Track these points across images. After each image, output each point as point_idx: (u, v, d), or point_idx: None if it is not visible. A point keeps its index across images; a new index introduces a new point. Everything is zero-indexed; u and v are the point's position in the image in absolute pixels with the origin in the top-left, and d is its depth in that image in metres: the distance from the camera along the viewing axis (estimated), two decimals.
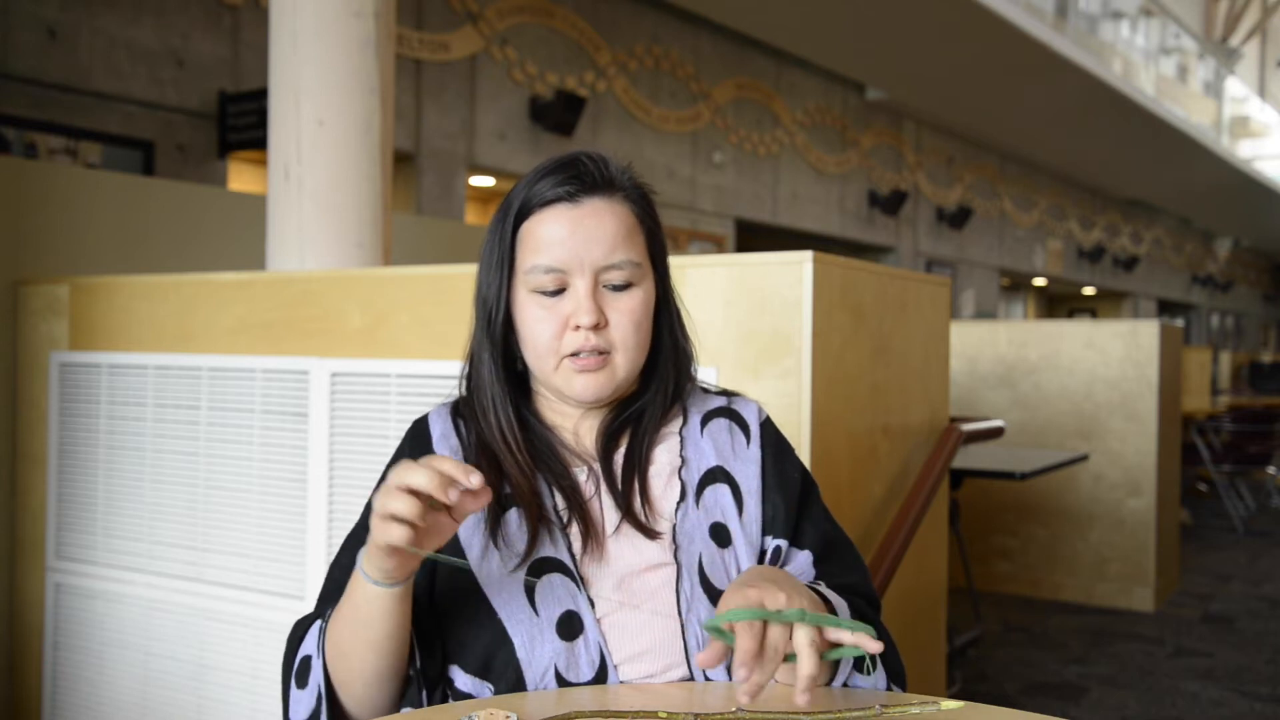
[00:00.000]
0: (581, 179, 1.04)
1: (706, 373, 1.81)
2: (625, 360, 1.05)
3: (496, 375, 1.07)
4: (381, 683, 0.96)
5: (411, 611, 0.99)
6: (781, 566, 1.07)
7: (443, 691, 1.03)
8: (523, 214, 1.05)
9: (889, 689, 1.01)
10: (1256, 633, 4.44)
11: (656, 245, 1.09)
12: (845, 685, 1.00)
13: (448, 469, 0.86)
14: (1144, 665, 3.94)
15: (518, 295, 1.05)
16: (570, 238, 1.02)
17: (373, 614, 0.93)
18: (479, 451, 1.07)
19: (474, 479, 0.85)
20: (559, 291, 1.03)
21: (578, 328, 1.02)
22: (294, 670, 1.00)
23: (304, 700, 0.98)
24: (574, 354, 1.03)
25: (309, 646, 0.99)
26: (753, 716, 0.87)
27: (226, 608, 2.36)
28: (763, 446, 1.12)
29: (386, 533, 0.86)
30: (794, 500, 1.10)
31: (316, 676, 0.97)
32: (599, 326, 1.03)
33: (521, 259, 1.05)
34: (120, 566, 2.53)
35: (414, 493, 0.86)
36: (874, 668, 0.99)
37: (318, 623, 1.01)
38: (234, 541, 2.35)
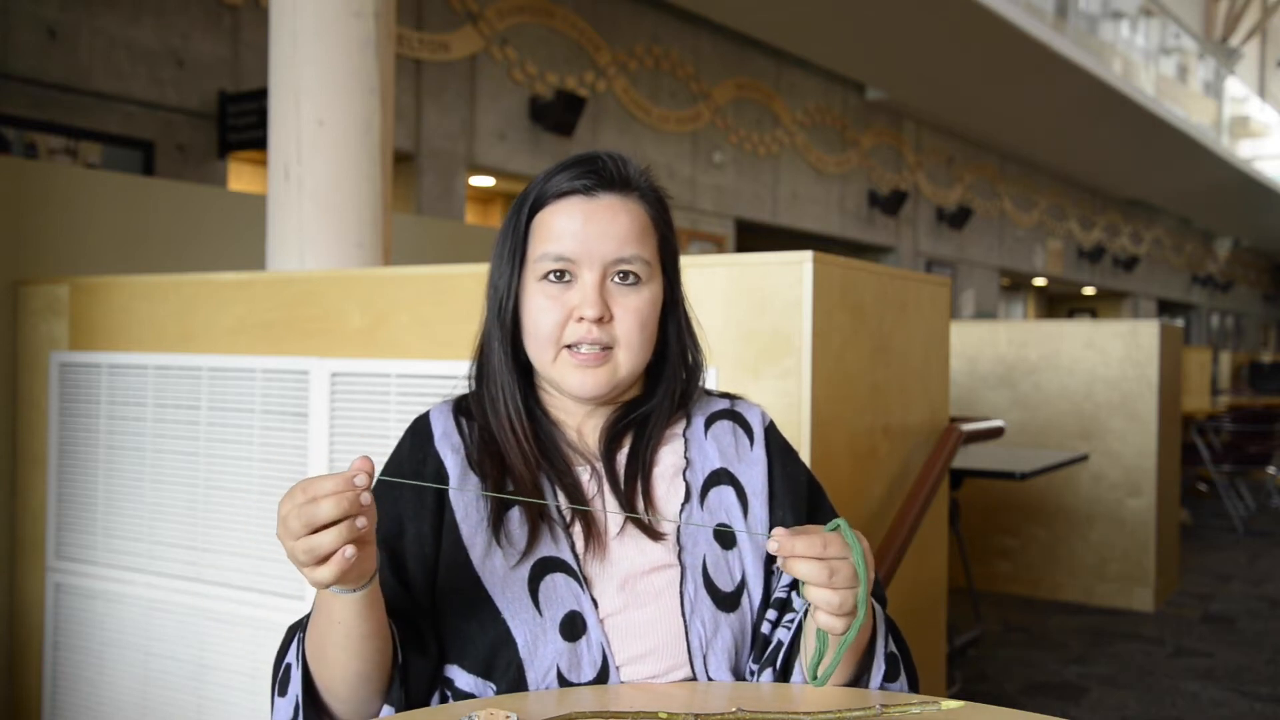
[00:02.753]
0: (599, 174, 1.05)
1: (706, 373, 1.80)
2: (628, 358, 1.05)
3: (506, 363, 1.08)
4: (365, 682, 0.95)
5: (386, 607, 0.98)
6: None
7: (442, 691, 1.03)
8: (538, 205, 1.06)
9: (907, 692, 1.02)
10: (1256, 633, 4.44)
11: (668, 250, 1.09)
12: (881, 688, 1.00)
13: (332, 485, 0.82)
14: (1144, 665, 3.94)
15: (526, 284, 1.06)
16: (582, 229, 1.03)
17: (345, 619, 0.91)
18: (482, 449, 1.07)
19: (359, 478, 0.82)
20: (567, 282, 1.04)
21: (581, 319, 1.02)
22: (276, 679, 0.99)
23: (284, 708, 0.97)
24: (572, 345, 1.03)
25: (290, 654, 0.98)
26: (753, 716, 0.87)
27: (226, 608, 2.36)
28: (769, 450, 1.12)
29: (318, 578, 0.83)
30: (803, 503, 1.10)
31: (295, 687, 0.96)
32: (603, 320, 1.03)
33: (533, 248, 1.05)
34: (120, 566, 2.53)
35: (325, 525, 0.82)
36: (816, 676, 0.96)
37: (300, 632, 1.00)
38: (234, 541, 2.35)
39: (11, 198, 2.77)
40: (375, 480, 1.09)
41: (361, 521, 0.82)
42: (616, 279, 1.04)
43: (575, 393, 1.05)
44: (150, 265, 3.03)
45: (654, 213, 1.08)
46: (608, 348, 1.04)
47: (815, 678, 0.91)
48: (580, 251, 1.03)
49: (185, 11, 5.69)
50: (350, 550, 0.82)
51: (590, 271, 1.03)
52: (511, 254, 1.07)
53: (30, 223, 2.80)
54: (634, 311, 1.04)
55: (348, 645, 0.92)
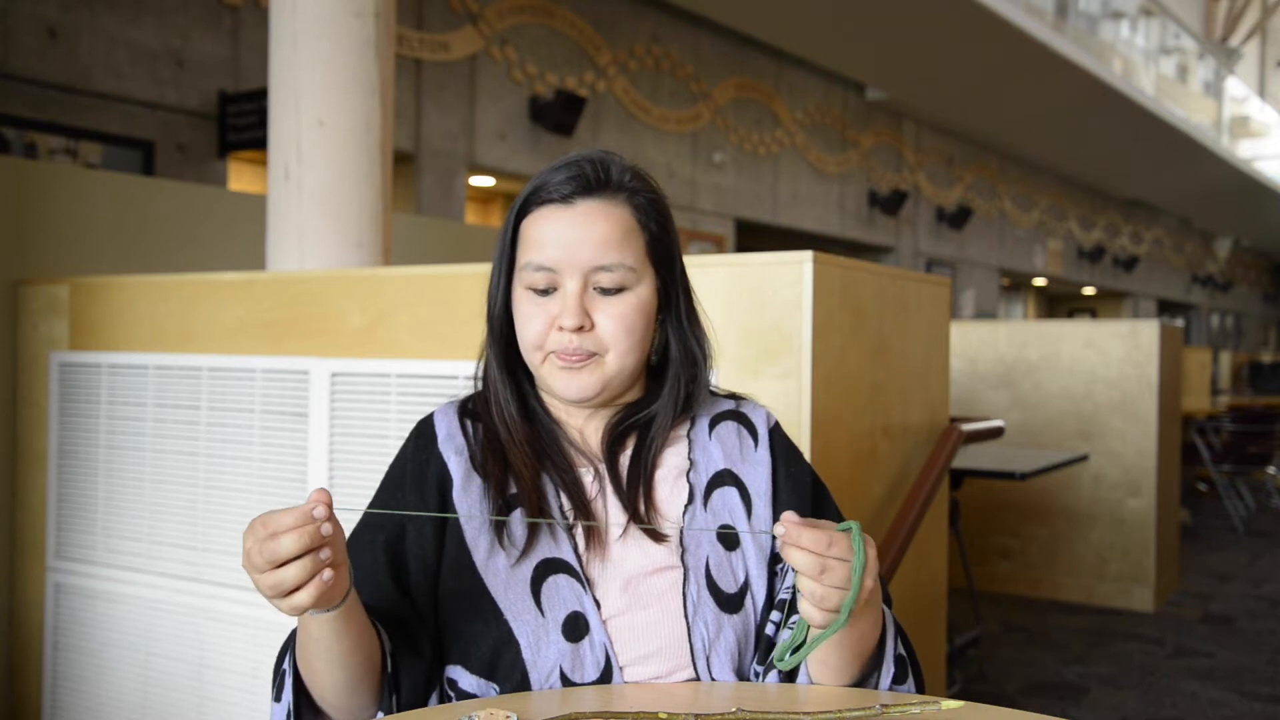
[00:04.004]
0: (578, 180, 1.04)
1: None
2: (615, 358, 1.04)
3: (499, 366, 1.09)
4: (353, 692, 0.97)
5: (381, 611, 0.99)
6: None
7: (445, 693, 1.03)
8: (523, 211, 1.06)
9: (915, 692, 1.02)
10: (1256, 633, 4.44)
11: (659, 249, 1.07)
12: (891, 688, 1.00)
13: (291, 520, 0.82)
14: (1144, 665, 3.94)
15: (515, 290, 1.07)
16: (561, 238, 1.03)
17: (322, 638, 0.92)
18: (486, 449, 1.07)
19: (318, 510, 0.82)
20: (550, 290, 1.04)
21: (562, 328, 1.03)
22: (274, 683, 1.01)
23: (279, 713, 0.99)
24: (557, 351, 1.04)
25: (287, 660, 1.00)
26: (753, 716, 0.87)
27: (226, 608, 2.35)
28: (773, 451, 1.12)
29: (294, 604, 0.83)
30: (808, 504, 1.10)
31: (288, 694, 0.98)
32: (583, 329, 1.02)
33: (519, 255, 1.06)
34: (120, 566, 2.53)
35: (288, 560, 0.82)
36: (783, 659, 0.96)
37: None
38: (234, 541, 2.35)
39: (11, 198, 2.77)
40: (379, 484, 1.10)
41: (325, 553, 0.82)
42: (599, 286, 1.03)
43: (564, 395, 1.05)
44: (150, 265, 3.03)
45: (640, 214, 1.06)
46: (593, 354, 1.03)
47: (781, 660, 0.91)
48: (561, 260, 1.02)
49: (185, 11, 5.69)
50: (328, 574, 0.82)
51: (572, 280, 1.03)
52: (501, 259, 1.08)
53: (30, 223, 2.80)
54: (616, 318, 1.03)
55: (329, 659, 0.93)
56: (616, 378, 1.05)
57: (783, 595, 1.05)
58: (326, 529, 0.82)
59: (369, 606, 1.00)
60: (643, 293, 1.05)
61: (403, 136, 6.87)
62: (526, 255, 1.04)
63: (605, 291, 1.03)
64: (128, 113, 5.47)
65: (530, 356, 1.06)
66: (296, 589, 0.82)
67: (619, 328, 1.03)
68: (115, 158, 5.42)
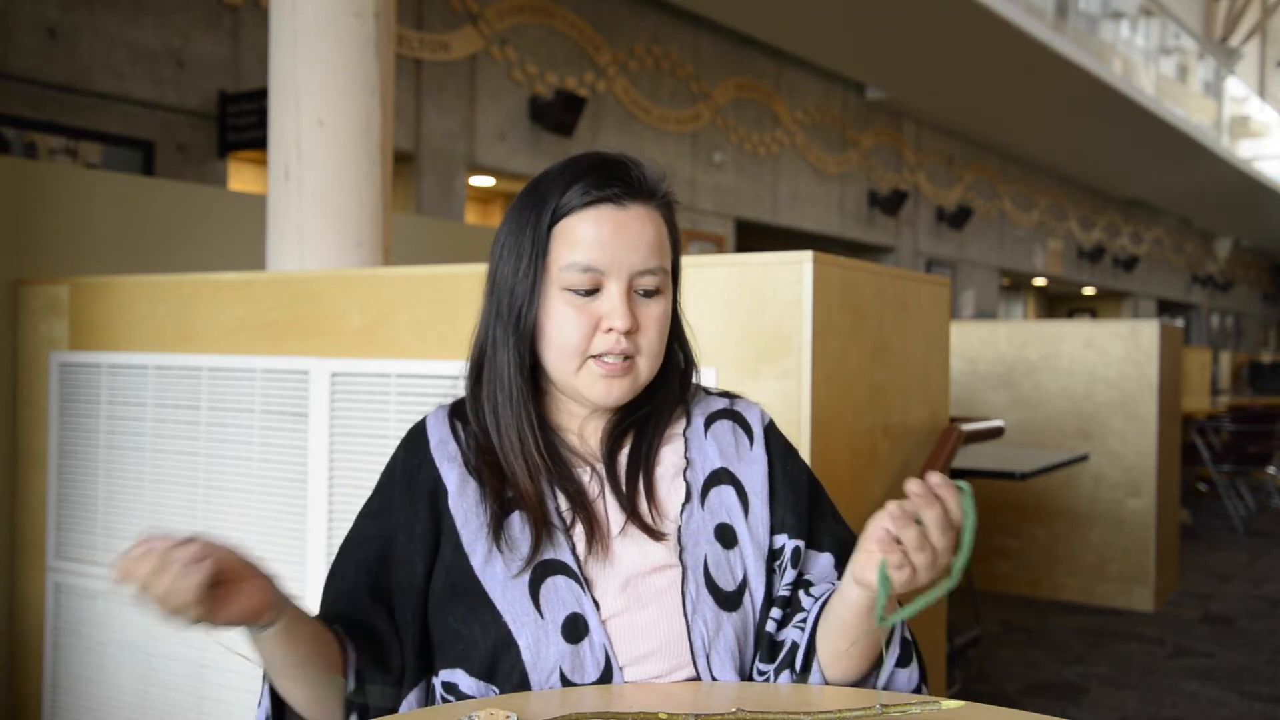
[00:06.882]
0: (627, 183, 1.03)
1: (706, 373, 1.81)
2: (646, 366, 1.05)
3: (518, 374, 1.05)
4: (316, 701, 0.99)
5: (350, 621, 1.02)
6: (802, 568, 1.07)
7: (430, 692, 1.03)
8: (562, 211, 1.03)
9: (919, 689, 1.02)
10: (1256, 633, 4.44)
11: (678, 257, 1.09)
12: (886, 687, 1.01)
13: (140, 553, 0.86)
14: (1144, 665, 3.94)
15: (546, 292, 1.03)
16: (613, 239, 1.01)
17: (265, 654, 0.95)
18: (478, 455, 1.06)
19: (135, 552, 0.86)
20: (591, 292, 1.02)
21: (610, 330, 1.01)
22: (260, 688, 1.03)
23: (259, 718, 1.03)
24: (599, 356, 1.02)
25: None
26: (753, 716, 0.87)
27: None
28: (768, 449, 1.12)
29: (182, 618, 0.87)
30: (804, 502, 1.10)
31: (265, 700, 1.01)
32: (631, 331, 1.02)
33: (556, 255, 1.02)
34: None
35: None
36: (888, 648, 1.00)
37: None
38: (234, 542, 2.35)
39: (11, 198, 2.77)
40: (372, 490, 1.10)
41: (198, 562, 0.86)
42: (640, 290, 1.03)
43: (599, 402, 1.04)
44: (150, 265, 3.03)
45: (669, 220, 1.08)
46: (629, 357, 1.03)
47: (882, 619, 0.89)
48: (609, 262, 1.01)
49: (185, 11, 5.69)
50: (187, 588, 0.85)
51: (617, 282, 1.02)
52: (532, 260, 1.03)
53: (30, 223, 2.80)
54: (656, 321, 1.04)
55: (283, 672, 0.96)
56: (643, 386, 1.06)
57: (782, 593, 1.05)
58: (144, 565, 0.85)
59: (344, 617, 1.02)
60: (669, 297, 1.07)
61: (403, 136, 6.87)
62: (570, 256, 1.01)
63: (645, 295, 1.04)
64: (128, 113, 5.47)
65: (567, 362, 1.03)
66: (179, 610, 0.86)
67: (656, 332, 1.04)
68: (115, 158, 5.42)
